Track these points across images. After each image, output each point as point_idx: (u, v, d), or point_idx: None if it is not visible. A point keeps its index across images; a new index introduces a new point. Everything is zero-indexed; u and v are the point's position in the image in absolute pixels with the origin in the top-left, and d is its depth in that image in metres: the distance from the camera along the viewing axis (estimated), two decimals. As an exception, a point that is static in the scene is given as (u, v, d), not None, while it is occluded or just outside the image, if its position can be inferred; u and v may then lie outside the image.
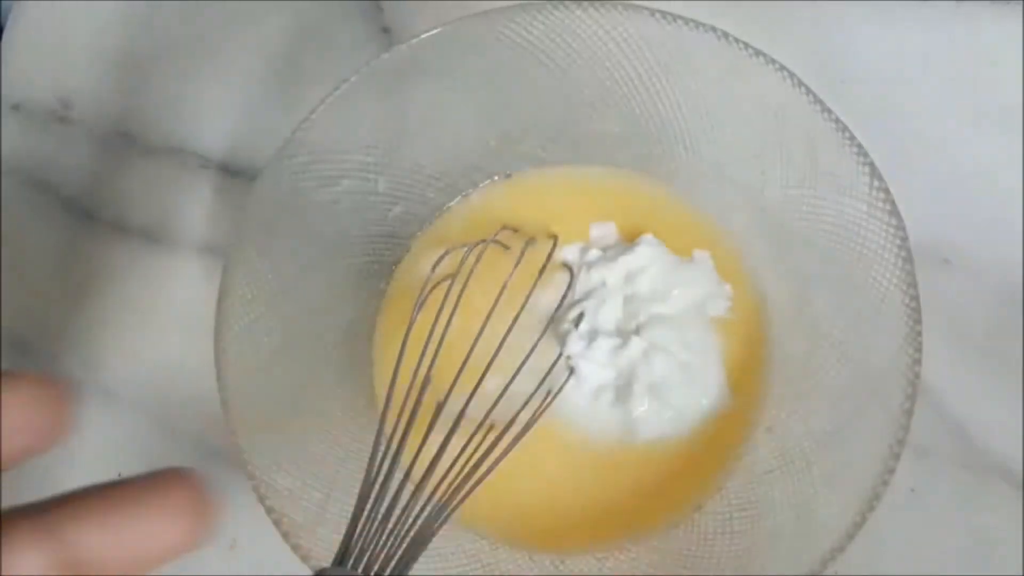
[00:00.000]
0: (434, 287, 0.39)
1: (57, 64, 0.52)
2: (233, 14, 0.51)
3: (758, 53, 0.37)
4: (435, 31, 0.39)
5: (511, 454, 0.35)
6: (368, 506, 0.33)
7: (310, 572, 0.34)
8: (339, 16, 0.51)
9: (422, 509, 0.33)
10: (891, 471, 0.33)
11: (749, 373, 0.41)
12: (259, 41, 0.51)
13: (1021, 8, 0.49)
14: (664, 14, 0.38)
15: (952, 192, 0.46)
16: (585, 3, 0.38)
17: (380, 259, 0.44)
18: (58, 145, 0.50)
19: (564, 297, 0.41)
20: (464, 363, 0.37)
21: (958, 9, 0.49)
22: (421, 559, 0.33)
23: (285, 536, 0.35)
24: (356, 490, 0.37)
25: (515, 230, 0.42)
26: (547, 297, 0.42)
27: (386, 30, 0.50)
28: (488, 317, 0.38)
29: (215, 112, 0.50)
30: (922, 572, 0.41)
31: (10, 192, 0.50)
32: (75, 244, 0.49)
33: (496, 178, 0.45)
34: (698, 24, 0.38)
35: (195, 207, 0.49)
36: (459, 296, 0.39)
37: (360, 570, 0.31)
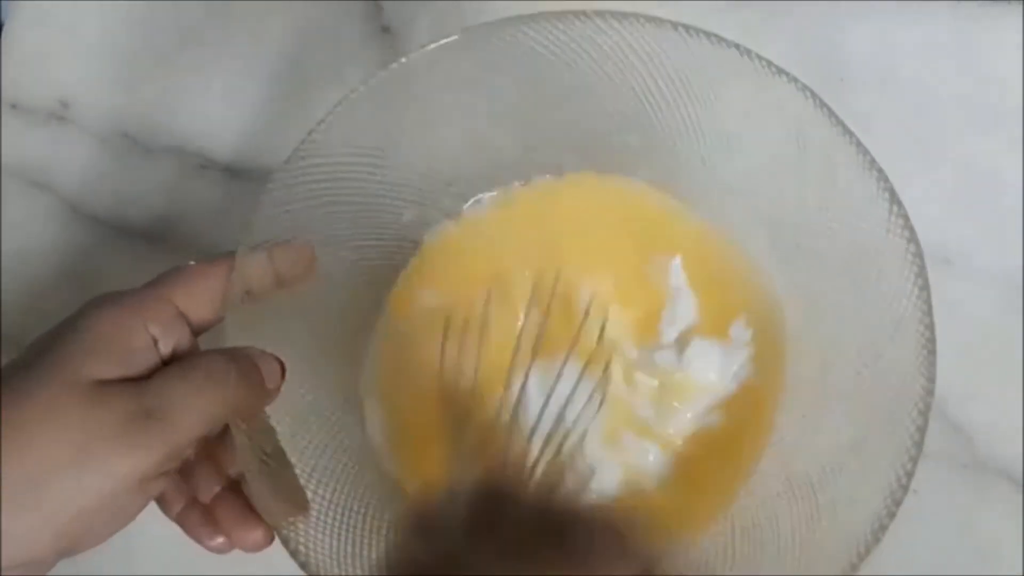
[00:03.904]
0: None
1: (56, 63, 0.52)
2: (233, 14, 0.51)
3: (780, 72, 0.37)
4: (454, 37, 0.38)
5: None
6: None
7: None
8: (339, 16, 0.51)
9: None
10: (898, 503, 0.32)
11: (761, 391, 0.41)
12: (259, 41, 0.51)
13: (1021, 8, 0.49)
14: (687, 28, 0.38)
15: (953, 192, 0.46)
16: (607, 15, 0.38)
17: (390, 262, 0.44)
18: (58, 145, 0.50)
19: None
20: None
21: (957, 9, 0.49)
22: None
23: (285, 541, 0.35)
24: (354, 489, 0.38)
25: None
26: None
27: (386, 30, 0.50)
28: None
29: (215, 112, 0.50)
30: (922, 572, 0.41)
31: (10, 192, 0.49)
32: (75, 244, 0.49)
33: (516, 184, 0.44)
34: (720, 39, 0.37)
35: (196, 208, 0.49)
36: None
37: None
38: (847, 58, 0.48)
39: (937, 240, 0.44)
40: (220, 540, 0.35)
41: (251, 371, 0.34)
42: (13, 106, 0.51)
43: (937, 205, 0.45)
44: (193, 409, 0.32)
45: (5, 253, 0.48)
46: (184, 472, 0.35)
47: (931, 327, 0.35)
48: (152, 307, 0.33)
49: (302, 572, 0.34)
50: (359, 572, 0.36)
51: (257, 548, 0.35)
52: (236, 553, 0.43)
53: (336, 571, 0.35)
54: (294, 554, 0.34)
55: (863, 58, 0.48)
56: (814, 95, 0.37)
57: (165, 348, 0.33)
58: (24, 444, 0.29)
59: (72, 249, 0.48)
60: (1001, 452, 0.43)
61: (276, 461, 0.36)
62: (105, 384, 0.30)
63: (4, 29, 0.52)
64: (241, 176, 0.49)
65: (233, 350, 0.34)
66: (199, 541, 0.35)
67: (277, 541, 0.34)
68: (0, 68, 0.51)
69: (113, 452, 0.29)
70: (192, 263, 0.35)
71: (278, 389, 0.35)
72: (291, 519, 0.35)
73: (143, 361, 0.32)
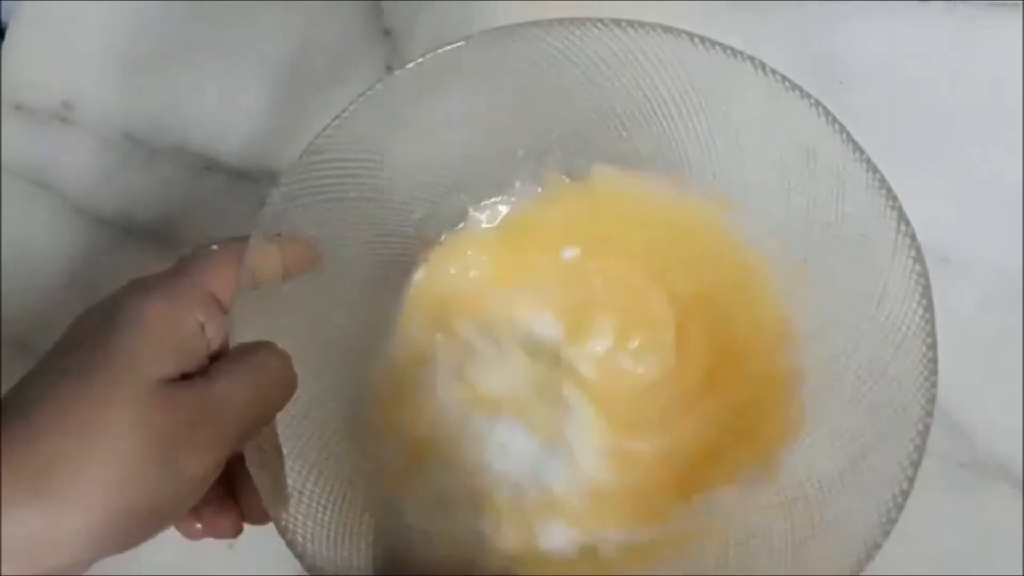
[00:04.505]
0: None
1: (59, 64, 0.52)
2: (234, 15, 0.51)
3: (794, 87, 0.37)
4: (470, 39, 0.38)
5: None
6: None
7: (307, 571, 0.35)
8: (340, 18, 0.51)
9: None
10: (893, 521, 0.33)
11: (766, 401, 0.41)
12: (261, 42, 0.51)
13: (1020, 8, 0.49)
14: (703, 39, 0.38)
15: (952, 192, 0.47)
16: (624, 23, 0.38)
17: (400, 260, 0.44)
18: (60, 145, 0.50)
19: None
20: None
21: (957, 9, 0.49)
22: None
23: (283, 532, 0.35)
24: (353, 483, 0.38)
25: None
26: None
27: (387, 32, 0.50)
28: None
29: (218, 114, 0.50)
30: (922, 572, 0.41)
31: (12, 192, 0.50)
32: (78, 245, 0.49)
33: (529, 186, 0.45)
34: (736, 52, 0.38)
35: (198, 208, 0.49)
36: None
37: None
38: (846, 59, 0.48)
39: (936, 240, 0.44)
40: (197, 526, 0.35)
41: (290, 368, 0.35)
42: (17, 107, 0.51)
43: (937, 205, 0.45)
44: (256, 409, 0.33)
45: (8, 254, 0.48)
46: None
47: (933, 347, 0.35)
48: (194, 295, 0.33)
49: (302, 572, 0.35)
50: (356, 564, 0.37)
51: (226, 535, 0.35)
52: (238, 554, 0.43)
53: (333, 563, 0.35)
54: (291, 545, 0.35)
55: (862, 59, 0.49)
56: (827, 111, 0.37)
57: (210, 333, 0.33)
58: (107, 453, 0.29)
59: (75, 250, 0.49)
60: (1001, 452, 0.43)
61: (274, 452, 0.36)
62: (170, 384, 0.30)
63: (8, 30, 0.52)
64: (244, 177, 0.49)
65: (268, 346, 0.35)
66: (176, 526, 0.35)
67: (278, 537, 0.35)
68: (3, 70, 0.51)
69: (185, 454, 0.30)
70: (214, 247, 0.36)
71: None
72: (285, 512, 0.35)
73: (196, 351, 0.32)
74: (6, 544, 0.27)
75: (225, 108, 0.50)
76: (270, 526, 0.35)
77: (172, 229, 0.49)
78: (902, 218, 0.36)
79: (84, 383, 0.30)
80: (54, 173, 0.50)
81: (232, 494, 0.35)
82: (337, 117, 0.38)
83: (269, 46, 0.51)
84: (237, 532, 0.35)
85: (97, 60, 0.51)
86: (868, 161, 0.36)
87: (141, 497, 0.29)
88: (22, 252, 0.49)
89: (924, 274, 0.36)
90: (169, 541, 0.35)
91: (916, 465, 0.33)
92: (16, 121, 0.51)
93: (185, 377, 0.32)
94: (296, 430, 0.38)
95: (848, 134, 0.37)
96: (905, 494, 0.33)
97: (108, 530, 0.29)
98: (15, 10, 0.52)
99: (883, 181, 0.36)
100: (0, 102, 0.51)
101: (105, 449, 0.29)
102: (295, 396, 0.38)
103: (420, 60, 0.38)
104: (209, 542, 0.43)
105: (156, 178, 0.49)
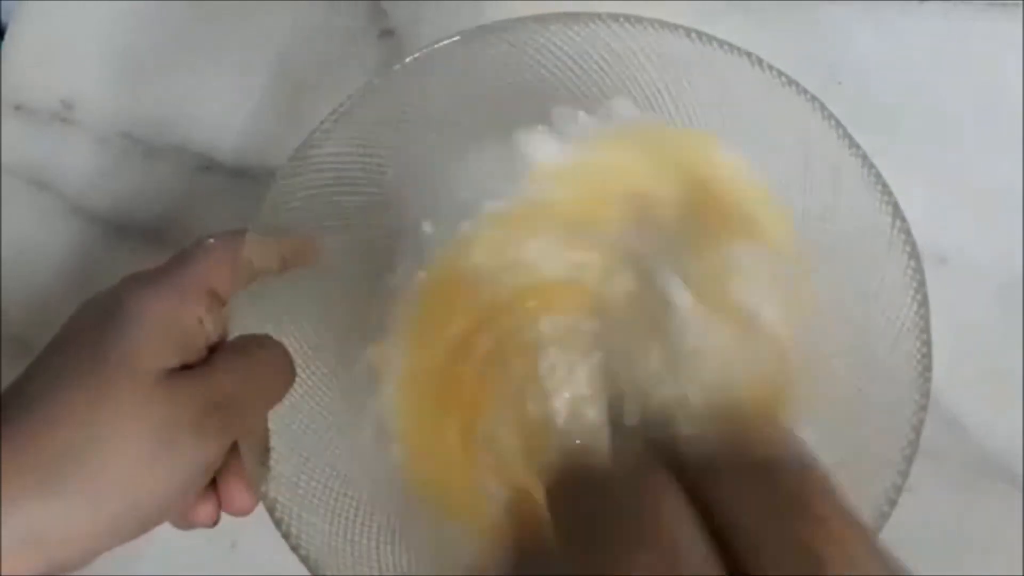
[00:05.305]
0: None
1: (60, 64, 0.52)
2: (236, 15, 0.51)
3: (790, 82, 0.37)
4: (467, 32, 0.39)
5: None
6: None
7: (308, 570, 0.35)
8: (342, 19, 0.51)
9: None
10: (886, 516, 0.33)
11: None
12: (262, 42, 0.51)
13: (1020, 8, 0.49)
14: (700, 34, 0.38)
15: (950, 192, 0.47)
16: (621, 18, 0.38)
17: (398, 253, 0.44)
18: (60, 145, 0.50)
19: None
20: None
21: (956, 10, 0.49)
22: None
23: (278, 523, 0.35)
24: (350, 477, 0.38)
25: None
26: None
27: (390, 33, 0.50)
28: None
29: (217, 113, 0.50)
30: (922, 572, 0.41)
31: (12, 192, 0.50)
32: (78, 244, 0.49)
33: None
34: (732, 47, 0.38)
35: (198, 208, 0.49)
36: None
37: None
38: (845, 59, 0.49)
39: (935, 240, 0.45)
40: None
41: (287, 359, 0.35)
42: (17, 107, 0.51)
43: (935, 205, 0.45)
44: (259, 399, 0.33)
45: (7, 253, 0.49)
46: None
47: (928, 343, 0.35)
48: (193, 289, 0.34)
49: (304, 571, 0.34)
50: (352, 556, 0.37)
51: (204, 524, 0.35)
52: (238, 554, 0.43)
53: (329, 554, 0.35)
54: (286, 536, 0.34)
55: (861, 59, 0.49)
56: (823, 107, 0.37)
57: (209, 326, 0.33)
58: (111, 445, 0.29)
59: (74, 249, 0.49)
60: (1000, 451, 0.43)
61: (262, 440, 0.36)
62: (173, 375, 0.31)
63: (7, 30, 0.52)
64: (243, 177, 0.49)
65: (266, 338, 0.35)
66: None
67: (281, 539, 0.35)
68: (3, 70, 0.51)
69: (188, 445, 0.30)
70: (211, 240, 0.36)
71: None
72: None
73: (196, 344, 0.33)
74: (10, 540, 0.27)
75: (224, 108, 0.50)
76: (271, 525, 0.35)
77: (171, 228, 0.49)
78: (897, 214, 0.36)
79: (86, 378, 0.30)
80: (54, 173, 0.50)
81: (211, 483, 0.35)
82: (335, 112, 0.38)
83: (269, 46, 0.51)
84: (215, 521, 0.35)
85: (97, 60, 0.51)
86: (864, 157, 0.36)
87: (145, 488, 0.29)
88: (22, 251, 0.49)
89: (919, 270, 0.36)
90: (169, 540, 0.35)
91: (909, 460, 0.33)
92: (16, 121, 0.51)
93: (185, 368, 0.32)
94: (292, 420, 0.38)
95: (844, 129, 0.37)
96: (898, 489, 0.33)
97: (114, 522, 0.29)
98: (15, 10, 0.52)
99: (879, 176, 0.36)
100: (0, 102, 0.51)
101: (109, 442, 0.29)
102: (292, 386, 0.38)
103: (417, 55, 0.39)
104: (209, 541, 0.43)
105: (155, 177, 0.50)
